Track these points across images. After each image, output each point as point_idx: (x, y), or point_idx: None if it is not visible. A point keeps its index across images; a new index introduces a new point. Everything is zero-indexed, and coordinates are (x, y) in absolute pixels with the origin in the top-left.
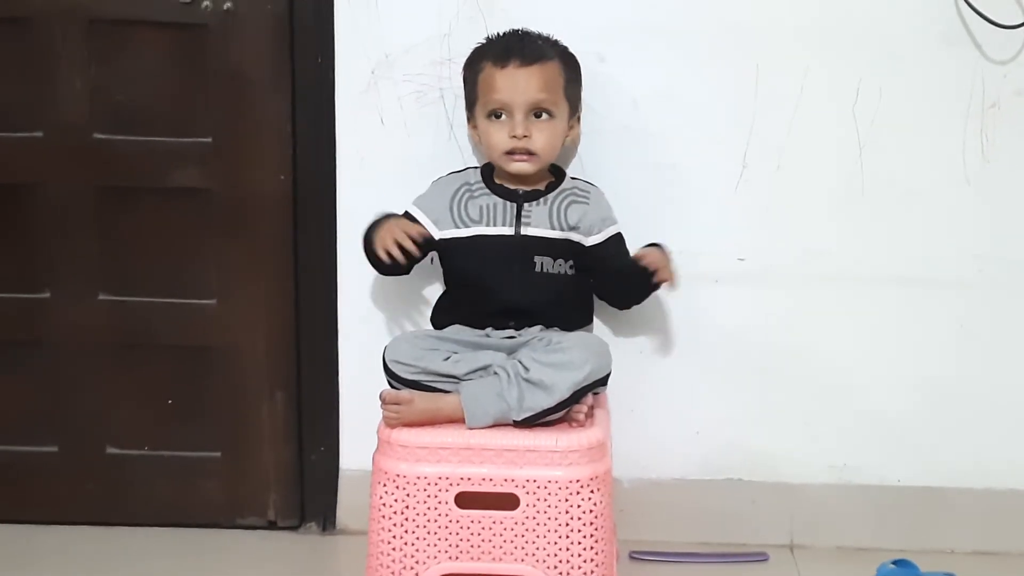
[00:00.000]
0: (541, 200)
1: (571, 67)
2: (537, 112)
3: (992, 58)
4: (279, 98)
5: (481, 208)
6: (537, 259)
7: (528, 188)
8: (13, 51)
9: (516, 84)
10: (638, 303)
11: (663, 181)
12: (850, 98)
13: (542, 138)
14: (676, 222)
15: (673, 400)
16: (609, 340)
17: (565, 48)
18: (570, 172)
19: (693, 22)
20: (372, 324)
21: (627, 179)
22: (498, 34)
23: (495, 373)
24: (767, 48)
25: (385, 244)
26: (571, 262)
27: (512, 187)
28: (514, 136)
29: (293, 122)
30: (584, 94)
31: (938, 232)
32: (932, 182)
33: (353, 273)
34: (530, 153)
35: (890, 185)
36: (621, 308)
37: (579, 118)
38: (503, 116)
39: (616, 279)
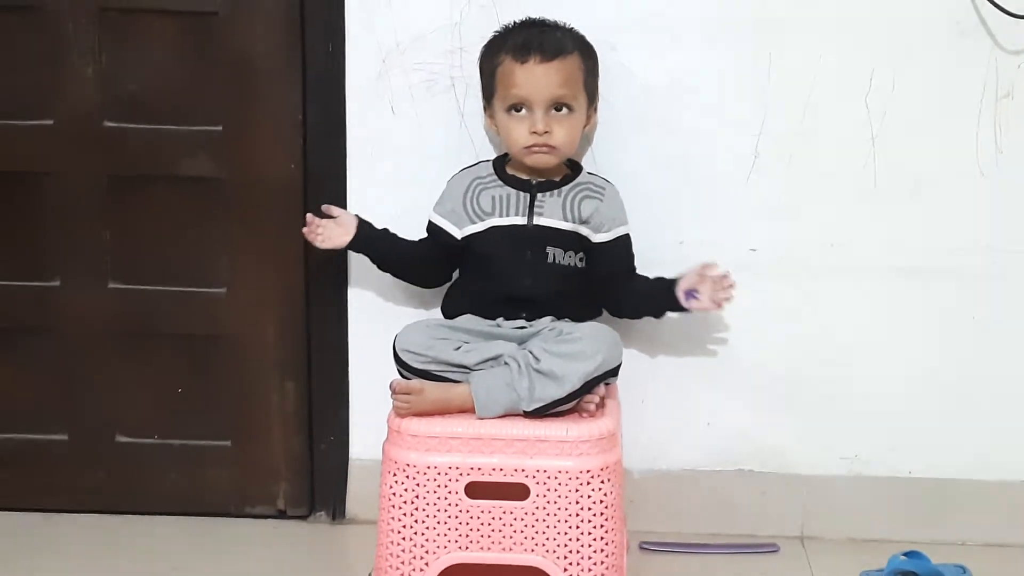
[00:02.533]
0: (555, 192)
1: (590, 58)
2: (557, 106)
3: (1006, 48)
4: (289, 86)
5: (493, 199)
6: (549, 250)
7: (542, 179)
8: (24, 39)
9: (536, 80)
10: (636, 317)
11: (674, 171)
12: (863, 88)
13: (562, 132)
14: (687, 212)
15: (684, 391)
16: (620, 331)
17: (583, 38)
18: (582, 162)
19: (705, 10)
20: (382, 313)
21: (638, 169)
22: (515, 23)
23: (506, 363)
24: (780, 37)
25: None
26: (580, 255)
27: (525, 177)
28: (534, 132)
29: (304, 111)
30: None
31: (951, 223)
32: (945, 173)
33: (363, 262)
34: (550, 147)
35: (903, 176)
36: (614, 313)
37: (596, 107)
38: (523, 111)
39: (623, 287)
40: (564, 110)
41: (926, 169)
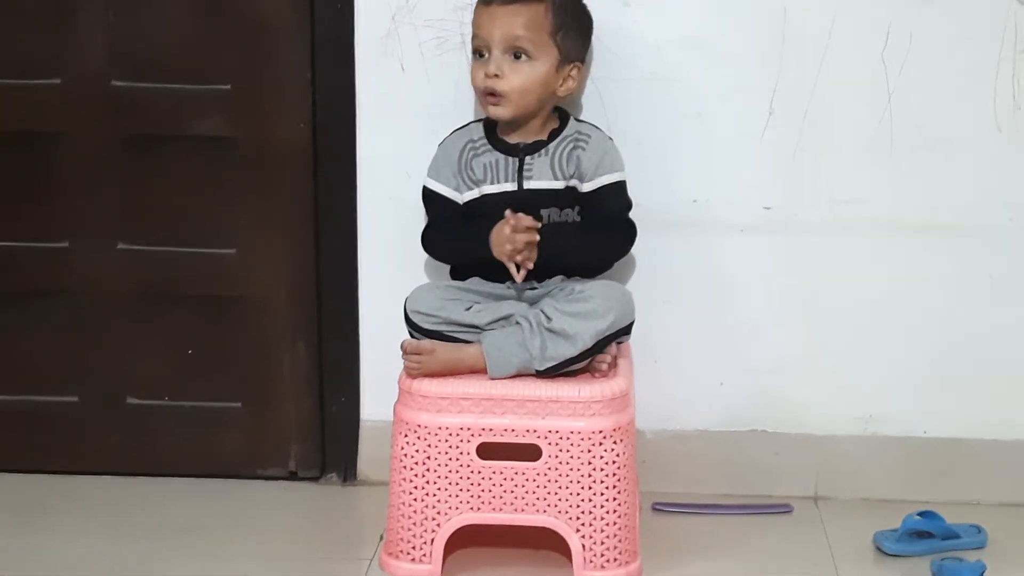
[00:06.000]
0: (543, 151)
1: (568, 14)
2: (516, 52)
3: None
4: (299, 45)
5: (485, 166)
6: (544, 211)
7: (529, 140)
8: None
9: (493, 21)
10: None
11: (688, 129)
12: (879, 43)
13: (516, 79)
14: (701, 170)
15: (697, 350)
16: (632, 289)
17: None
18: (595, 120)
19: None
20: (393, 274)
21: (652, 127)
22: None
23: (517, 323)
24: None
25: (515, 256)
26: (577, 208)
27: (513, 141)
28: (486, 73)
29: (313, 69)
30: (608, 41)
31: (968, 179)
32: (962, 129)
33: (373, 222)
34: (500, 94)
35: (919, 132)
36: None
37: (578, 69)
38: (484, 55)
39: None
40: (523, 57)
41: (943, 125)
